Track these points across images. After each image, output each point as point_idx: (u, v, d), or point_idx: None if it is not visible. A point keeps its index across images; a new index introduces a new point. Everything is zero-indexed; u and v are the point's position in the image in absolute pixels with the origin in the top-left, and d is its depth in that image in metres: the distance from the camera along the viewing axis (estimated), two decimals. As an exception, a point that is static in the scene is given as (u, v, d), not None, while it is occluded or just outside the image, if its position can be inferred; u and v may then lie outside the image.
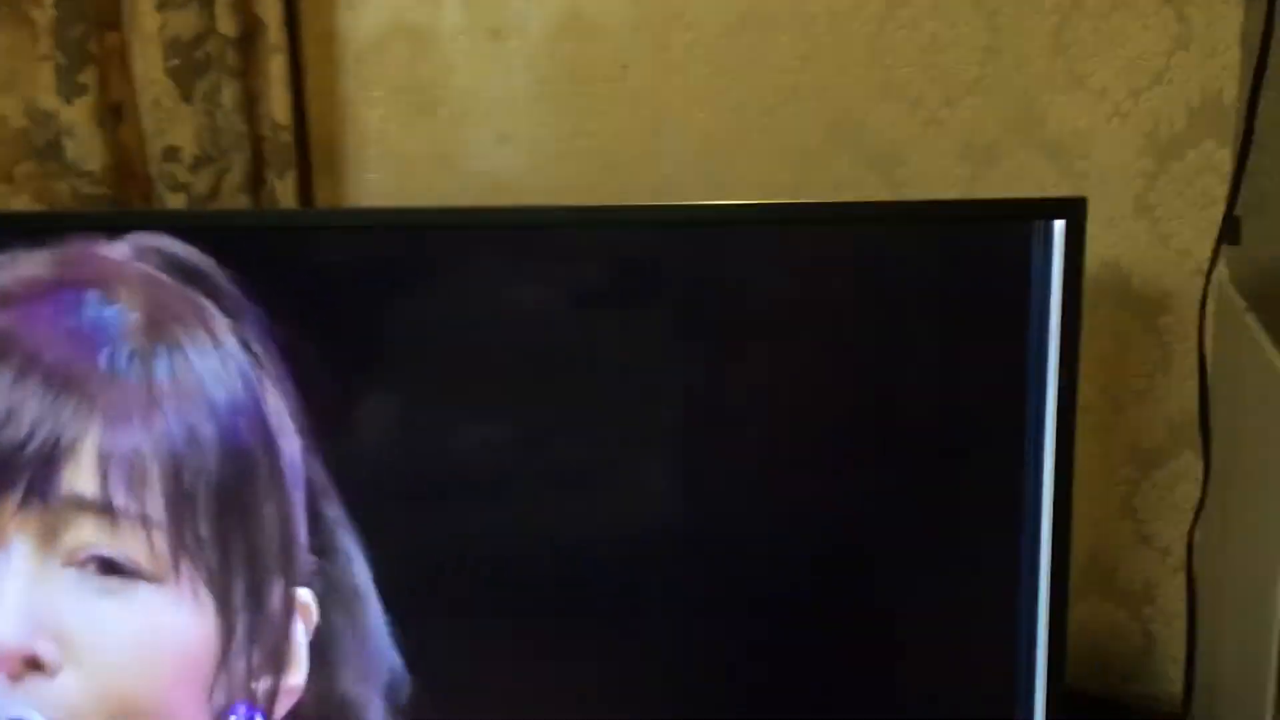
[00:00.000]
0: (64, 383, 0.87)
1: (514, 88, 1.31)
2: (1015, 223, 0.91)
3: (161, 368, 0.88)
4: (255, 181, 1.28)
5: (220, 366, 0.91)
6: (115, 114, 1.30)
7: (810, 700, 1.06)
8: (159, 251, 0.94)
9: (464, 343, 1.03)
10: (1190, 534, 1.15)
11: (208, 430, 0.89)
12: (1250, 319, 0.98)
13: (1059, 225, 0.91)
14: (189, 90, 1.24)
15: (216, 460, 0.90)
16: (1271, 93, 0.94)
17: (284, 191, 1.25)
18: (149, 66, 1.24)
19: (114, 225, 0.96)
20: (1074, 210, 0.90)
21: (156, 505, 0.87)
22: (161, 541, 0.86)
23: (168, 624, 0.88)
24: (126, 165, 1.32)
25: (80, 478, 0.86)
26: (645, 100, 1.29)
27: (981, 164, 1.25)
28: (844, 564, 1.04)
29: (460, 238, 1.02)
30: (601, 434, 1.04)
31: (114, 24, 1.27)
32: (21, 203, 1.31)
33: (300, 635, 0.95)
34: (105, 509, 0.86)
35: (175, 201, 1.27)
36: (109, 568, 0.86)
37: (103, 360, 0.88)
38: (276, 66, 1.23)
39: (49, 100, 1.25)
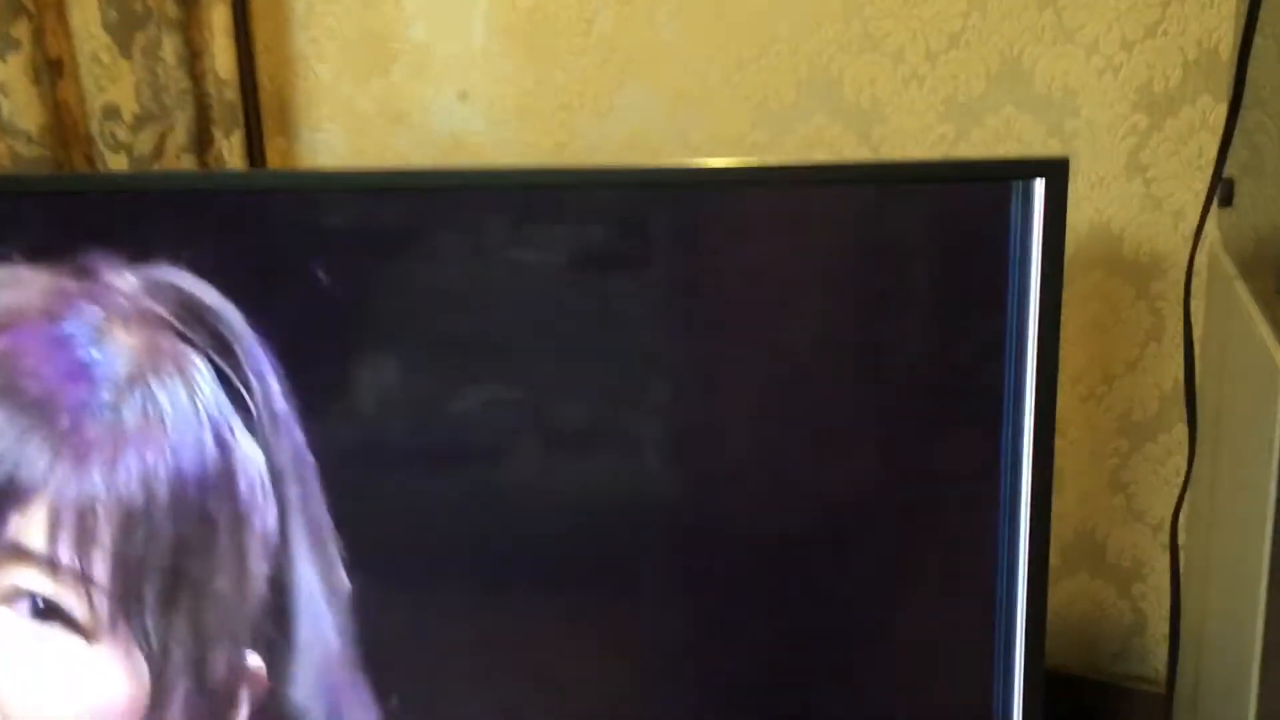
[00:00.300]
0: (34, 419, 0.83)
1: (473, 41, 1.24)
2: (994, 184, 0.85)
3: (133, 421, 0.83)
4: (201, 141, 1.22)
5: (195, 428, 0.85)
6: (55, 70, 1.24)
7: (783, 678, 1.02)
8: (174, 289, 0.89)
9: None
10: (1176, 510, 1.10)
11: (169, 494, 0.85)
12: (1240, 288, 0.92)
13: (1039, 185, 0.85)
14: (127, 44, 1.18)
15: (175, 526, 0.85)
16: (1266, 43, 0.87)
17: (230, 152, 1.19)
18: (86, 19, 1.17)
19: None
20: (1055, 170, 0.84)
21: (102, 566, 0.83)
22: (101, 601, 0.83)
23: (92, 683, 0.84)
24: (69, 124, 1.26)
25: (29, 526, 0.82)
26: (611, 53, 1.22)
27: (965, 122, 1.19)
28: (813, 534, 1.00)
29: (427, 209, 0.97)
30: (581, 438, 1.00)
31: (51, -26, 1.21)
32: (-44, 164, 1.26)
33: (245, 703, 0.91)
34: (48, 562, 0.82)
35: (116, 163, 1.21)
36: (42, 613, 0.83)
37: (77, 404, 0.83)
38: (220, 18, 1.16)
39: (-21, 57, 1.19)
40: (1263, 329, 0.81)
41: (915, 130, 1.19)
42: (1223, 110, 1.09)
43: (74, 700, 0.86)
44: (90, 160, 1.26)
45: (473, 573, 1.03)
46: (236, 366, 0.88)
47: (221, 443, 0.87)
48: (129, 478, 0.84)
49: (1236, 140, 0.96)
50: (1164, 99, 1.15)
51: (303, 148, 1.31)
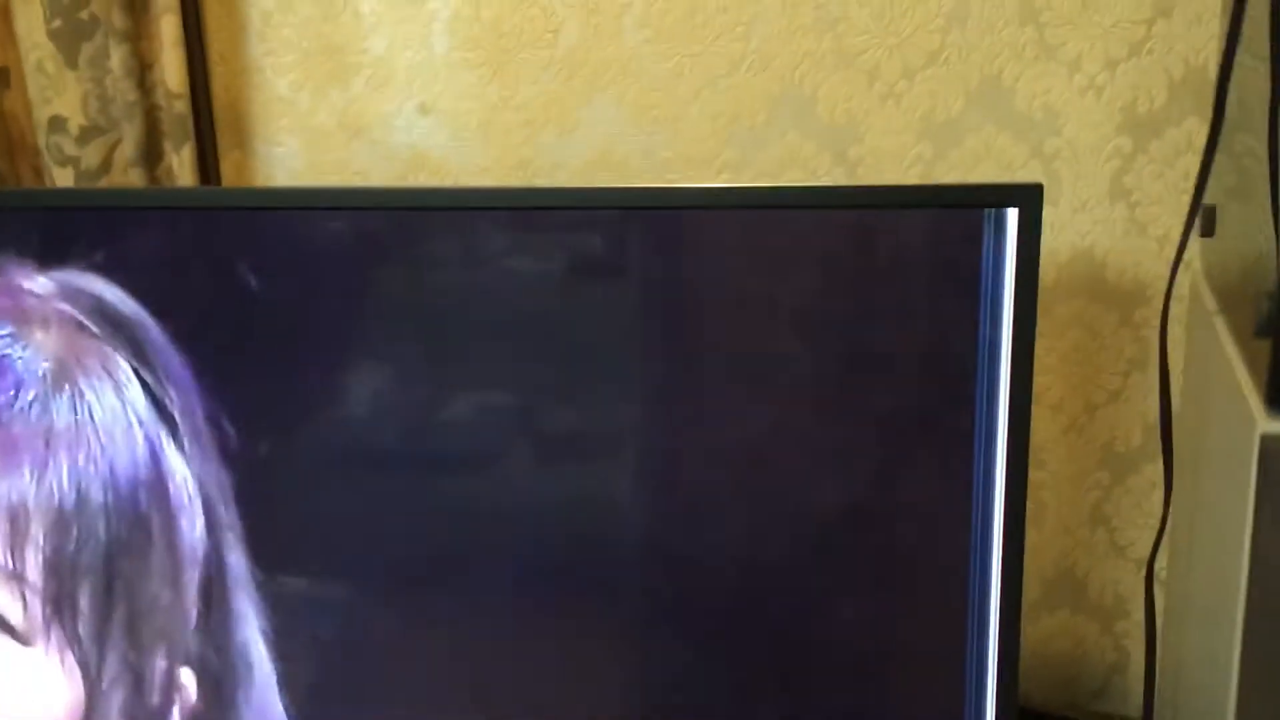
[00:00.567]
0: None
1: (434, 53, 1.19)
2: (965, 211, 0.81)
3: (61, 422, 0.83)
4: (150, 155, 1.17)
5: (125, 431, 0.84)
6: (1, 80, 1.19)
7: (748, 707, 0.98)
8: (88, 294, 0.87)
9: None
10: (1154, 549, 1.05)
11: (101, 496, 0.84)
12: (1220, 324, 0.88)
13: (1012, 214, 0.80)
14: (73, 54, 1.13)
15: (107, 529, 0.84)
16: (1252, 61, 0.83)
17: (180, 166, 1.14)
18: (31, 27, 1.13)
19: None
20: (1028, 197, 0.79)
21: (35, 566, 0.82)
22: (35, 604, 0.82)
23: (26, 687, 0.83)
24: (17, 136, 1.22)
25: None
26: (577, 68, 1.18)
27: (943, 142, 1.14)
28: (775, 563, 0.96)
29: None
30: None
31: (-4, -19, 1.16)
32: (-101, 177, 1.21)
33: (175, 716, 0.90)
34: None
35: (63, 177, 1.16)
36: None
37: (2, 402, 0.82)
38: (169, 28, 1.11)
39: (-77, 64, 1.15)
40: (1240, 373, 0.77)
41: (892, 150, 1.15)
42: (1209, 133, 1.05)
43: (9, 705, 0.84)
44: (38, 173, 1.21)
45: (394, 592, 1.00)
46: (155, 377, 0.87)
47: (150, 446, 0.86)
48: (59, 478, 0.83)
49: (1221, 165, 0.92)
50: (1149, 120, 1.11)
51: (259, 162, 1.26)
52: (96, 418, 0.84)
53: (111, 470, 0.84)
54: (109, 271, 0.87)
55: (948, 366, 0.89)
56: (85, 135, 1.15)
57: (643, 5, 1.14)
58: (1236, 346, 0.82)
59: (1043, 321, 1.18)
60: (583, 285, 0.94)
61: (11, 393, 0.83)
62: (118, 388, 0.85)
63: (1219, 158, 0.91)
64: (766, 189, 0.99)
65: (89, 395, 0.84)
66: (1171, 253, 1.06)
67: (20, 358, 0.84)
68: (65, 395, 0.84)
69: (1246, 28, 0.83)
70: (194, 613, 0.88)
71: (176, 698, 0.89)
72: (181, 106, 1.12)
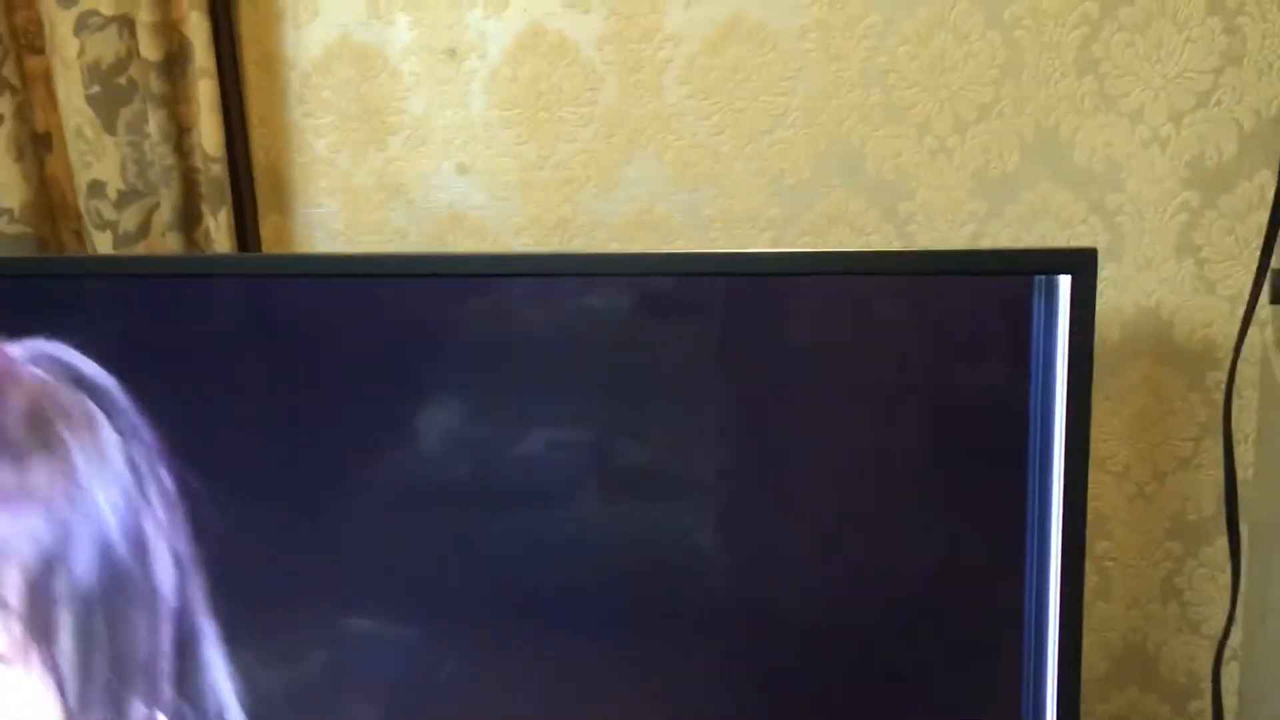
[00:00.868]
0: None
1: (472, 112, 1.18)
2: (1013, 278, 0.76)
3: (39, 465, 0.85)
4: (188, 219, 1.16)
5: (103, 479, 0.86)
6: (43, 144, 1.19)
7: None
8: (57, 361, 0.90)
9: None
10: (1227, 625, 0.98)
11: (81, 532, 0.86)
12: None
13: (1064, 281, 0.75)
14: (111, 120, 1.12)
15: (85, 564, 0.87)
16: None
17: (218, 230, 1.13)
18: (70, 94, 1.12)
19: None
20: (1082, 264, 0.74)
21: (15, 590, 0.84)
22: (16, 626, 0.84)
23: (9, 702, 0.85)
24: (59, 200, 1.21)
25: None
26: (617, 125, 1.15)
27: (997, 198, 1.10)
28: (823, 630, 0.92)
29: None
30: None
31: (39, 48, 1.16)
32: (-56, 242, 1.22)
33: None
34: None
35: (102, 241, 1.16)
36: None
37: None
38: (206, 92, 1.10)
39: (-32, 131, 1.15)
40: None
41: (944, 206, 1.10)
42: (1286, 189, 1.00)
43: None
44: (80, 236, 1.21)
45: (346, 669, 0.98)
46: (124, 439, 0.89)
47: (126, 494, 0.88)
48: (39, 511, 0.86)
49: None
50: (1218, 174, 1.05)
51: (298, 224, 1.24)
52: (77, 464, 0.87)
53: (91, 512, 0.87)
54: (83, 339, 0.89)
55: (994, 443, 0.84)
56: (123, 200, 1.15)
57: (684, 61, 1.12)
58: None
59: (1107, 384, 1.13)
60: (625, 342, 0.91)
61: None
62: (96, 440, 0.88)
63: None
64: (801, 254, 0.95)
65: (69, 442, 0.87)
66: (1244, 312, 1.01)
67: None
68: (45, 442, 0.86)
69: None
70: (168, 664, 0.89)
71: None
72: (219, 170, 1.11)
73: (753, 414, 0.89)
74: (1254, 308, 0.93)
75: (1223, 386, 1.06)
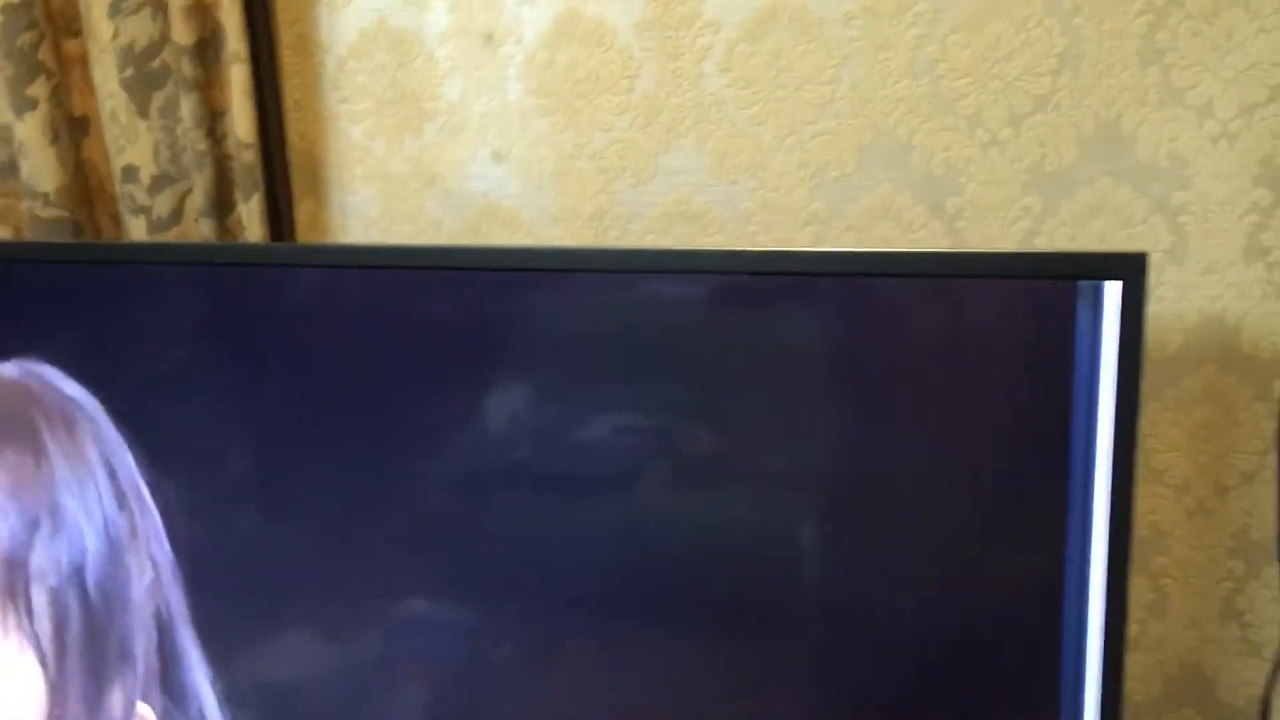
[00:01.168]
0: None
1: (508, 100, 1.15)
2: (1056, 283, 0.71)
3: (11, 454, 0.82)
4: (221, 205, 1.14)
5: (81, 480, 0.83)
6: (80, 128, 1.19)
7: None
8: (44, 379, 0.87)
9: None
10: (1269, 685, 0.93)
11: (51, 520, 0.83)
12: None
13: (1112, 288, 0.70)
14: (145, 104, 1.11)
15: (59, 547, 0.83)
16: None
17: (250, 216, 1.12)
18: (105, 77, 1.11)
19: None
20: (1132, 270, 0.69)
21: None
22: None
23: None
24: (95, 184, 1.21)
25: None
26: (655, 114, 1.11)
27: (1053, 194, 1.04)
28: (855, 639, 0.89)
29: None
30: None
31: (76, 31, 1.16)
32: (-18, 226, 1.22)
33: None
34: None
35: (136, 227, 1.15)
36: None
37: None
38: (238, 77, 1.08)
39: (6, 114, 1.15)
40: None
41: (995, 203, 1.05)
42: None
43: None
44: (117, 221, 1.21)
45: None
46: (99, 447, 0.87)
47: (106, 483, 0.85)
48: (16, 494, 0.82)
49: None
50: (1291, 172, 0.99)
51: (333, 211, 1.23)
52: (56, 461, 0.83)
53: (61, 505, 0.83)
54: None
55: (1035, 456, 0.79)
56: (156, 185, 1.14)
57: (724, 48, 1.07)
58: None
59: (1166, 393, 1.07)
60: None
61: None
62: (77, 444, 0.85)
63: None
64: (831, 254, 0.90)
65: (47, 438, 0.84)
66: (1317, 321, 0.95)
67: None
68: (23, 432, 0.83)
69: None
70: (146, 655, 0.87)
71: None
72: (250, 156, 1.10)
73: (776, 414, 0.85)
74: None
75: (1292, 398, 1.01)
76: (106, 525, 0.85)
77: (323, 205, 1.22)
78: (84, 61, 1.15)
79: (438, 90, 1.16)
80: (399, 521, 0.95)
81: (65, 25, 1.15)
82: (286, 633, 1.00)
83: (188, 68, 1.09)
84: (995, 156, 1.04)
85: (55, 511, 0.83)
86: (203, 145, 1.11)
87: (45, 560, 0.83)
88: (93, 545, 0.85)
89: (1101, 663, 0.79)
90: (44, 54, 1.12)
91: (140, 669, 0.86)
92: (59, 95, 1.14)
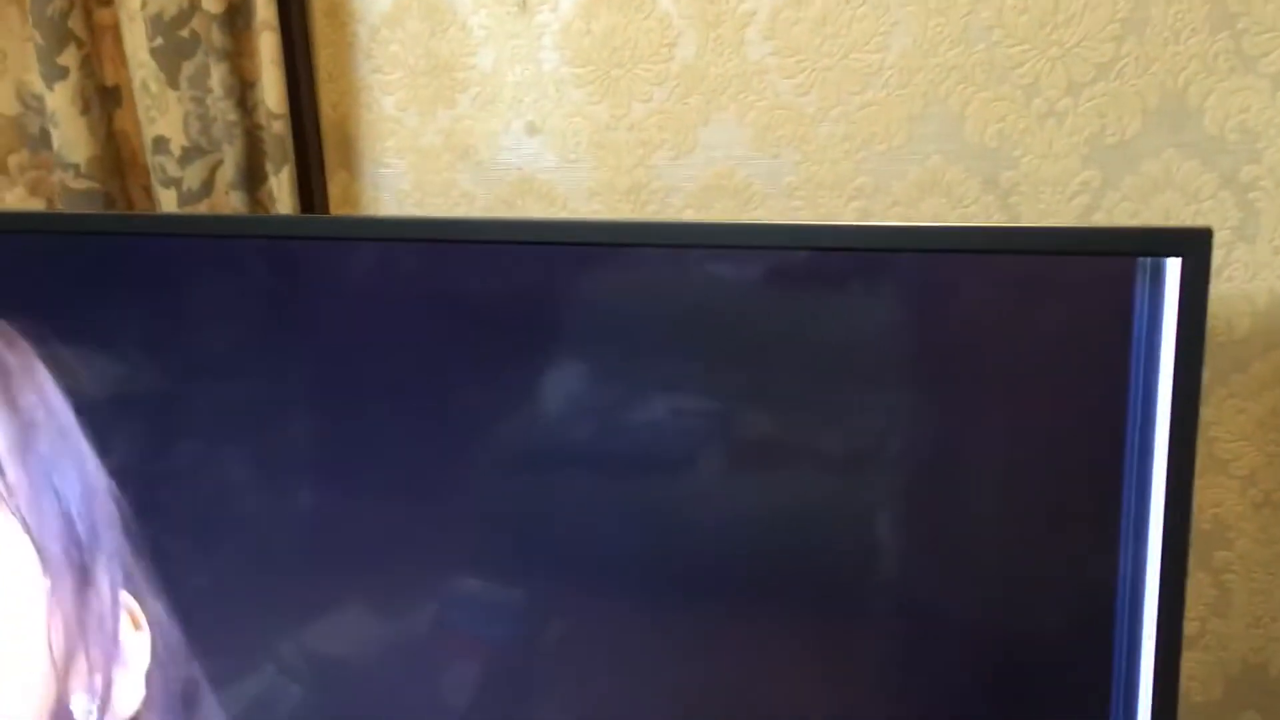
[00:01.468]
0: None
1: (543, 69, 1.11)
2: (1114, 260, 0.66)
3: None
4: (252, 177, 1.12)
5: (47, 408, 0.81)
6: (112, 98, 1.17)
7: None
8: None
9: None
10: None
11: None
12: None
13: (1173, 264, 0.65)
14: (174, 74, 1.09)
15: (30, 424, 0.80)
16: None
17: (280, 188, 1.10)
18: (136, 47, 1.09)
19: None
20: (1194, 245, 0.64)
21: None
22: None
23: None
24: (128, 155, 1.19)
25: None
26: (695, 84, 1.07)
27: (1114, 167, 0.98)
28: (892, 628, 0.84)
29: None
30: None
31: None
32: (15, 197, 1.20)
33: (131, 639, 0.84)
34: None
35: (167, 199, 1.13)
36: None
37: None
38: (268, 45, 1.06)
39: (38, 84, 1.13)
40: None
41: (1053, 176, 0.99)
42: None
43: None
44: (149, 192, 1.19)
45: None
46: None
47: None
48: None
49: None
50: (1373, 144, 0.93)
51: (365, 183, 1.20)
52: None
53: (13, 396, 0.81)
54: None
55: (1087, 443, 0.74)
56: (187, 156, 1.12)
57: (768, 15, 1.03)
58: None
59: (1233, 379, 1.02)
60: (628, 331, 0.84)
61: None
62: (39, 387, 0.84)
63: None
64: (866, 228, 0.85)
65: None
66: (1398, 304, 0.89)
67: None
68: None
69: None
70: (119, 546, 0.83)
71: (124, 613, 0.82)
72: (280, 127, 1.07)
73: (817, 393, 0.81)
74: None
75: (1368, 386, 0.95)
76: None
77: (356, 177, 1.19)
78: (116, 30, 1.13)
79: (471, 60, 1.12)
80: (432, 500, 0.93)
81: (94, -7, 1.13)
82: (339, 609, 0.98)
83: (217, 36, 1.06)
84: (1053, 128, 0.99)
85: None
86: (233, 116, 1.09)
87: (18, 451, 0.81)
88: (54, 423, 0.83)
89: (1155, 662, 0.75)
90: (74, 22, 1.10)
91: (117, 549, 0.84)
92: (90, 65, 1.12)
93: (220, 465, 0.96)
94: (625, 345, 0.84)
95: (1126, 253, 0.66)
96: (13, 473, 0.81)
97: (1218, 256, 0.98)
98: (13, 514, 0.81)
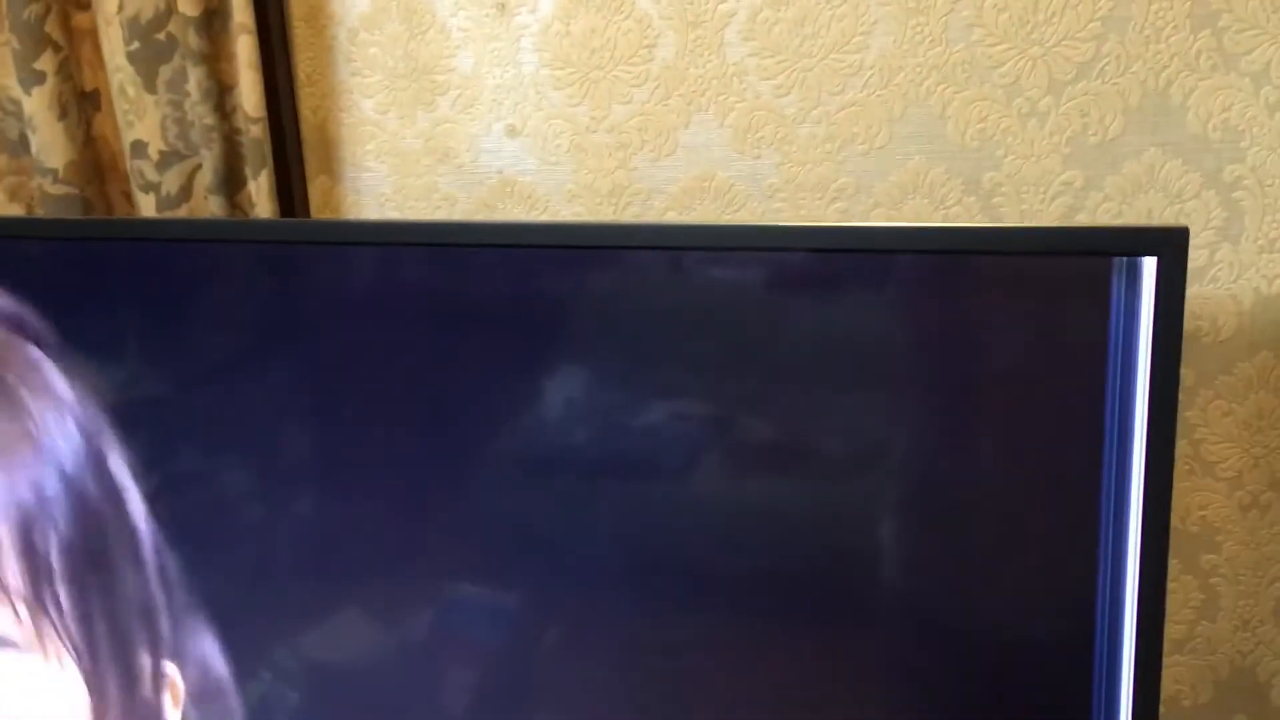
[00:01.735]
0: None
1: (523, 71, 1.10)
2: (1088, 260, 0.65)
3: (2, 422, 0.79)
4: (230, 182, 1.11)
5: (60, 420, 0.81)
6: (89, 103, 1.16)
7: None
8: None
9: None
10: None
11: (55, 487, 0.83)
12: None
13: (1149, 264, 0.64)
14: (151, 78, 1.08)
15: (67, 520, 0.83)
16: None
17: (259, 193, 1.09)
18: (113, 50, 1.08)
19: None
20: (1170, 245, 0.63)
21: (13, 569, 0.81)
22: (23, 608, 0.81)
23: (36, 694, 0.82)
24: (108, 161, 1.18)
25: None
26: (675, 85, 1.06)
27: (1096, 167, 0.97)
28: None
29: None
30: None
31: (86, 3, 1.12)
32: (-5, 203, 1.20)
33: (170, 713, 0.88)
34: None
35: (146, 204, 1.12)
36: None
37: None
38: (245, 49, 1.05)
39: (16, 88, 1.12)
40: None
41: (1034, 176, 0.98)
42: None
43: (23, 713, 0.83)
44: (129, 198, 1.18)
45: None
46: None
47: (89, 443, 0.85)
48: (20, 480, 0.81)
49: None
50: (1356, 142, 0.92)
51: (346, 187, 1.19)
52: (34, 411, 0.83)
53: (59, 462, 0.83)
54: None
55: (1062, 450, 0.73)
56: (165, 161, 1.11)
57: (747, 15, 1.02)
58: None
59: (1218, 380, 1.01)
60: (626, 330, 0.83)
61: None
62: (44, 379, 0.84)
63: None
64: (841, 228, 0.83)
65: (21, 391, 0.83)
66: (1383, 304, 0.88)
67: None
68: (6, 398, 0.82)
69: None
70: (161, 603, 0.87)
71: (166, 691, 0.87)
72: (258, 131, 1.06)
73: (789, 395, 0.80)
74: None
75: (1355, 387, 0.94)
76: (96, 463, 0.84)
77: (336, 181, 1.18)
78: (94, 34, 1.13)
79: (450, 62, 1.12)
80: (421, 505, 0.92)
81: (72, -3, 1.12)
82: (336, 616, 0.97)
83: (194, 39, 1.05)
84: (1034, 128, 0.98)
85: (49, 477, 0.82)
86: (210, 120, 1.08)
87: (52, 537, 0.82)
88: (89, 503, 0.84)
89: (1135, 668, 0.74)
90: (51, 27, 1.09)
91: (159, 624, 0.86)
92: (67, 69, 1.11)
93: (214, 473, 0.95)
94: (618, 349, 0.84)
95: (1102, 252, 0.65)
96: (62, 591, 0.83)
97: (1202, 257, 0.98)
98: (60, 634, 0.83)
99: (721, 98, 1.05)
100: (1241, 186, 0.95)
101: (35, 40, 1.08)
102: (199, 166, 1.11)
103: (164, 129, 1.10)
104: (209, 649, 0.87)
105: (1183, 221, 0.97)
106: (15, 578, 0.80)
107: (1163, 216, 0.98)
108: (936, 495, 0.78)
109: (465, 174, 1.14)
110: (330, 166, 1.18)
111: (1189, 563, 1.05)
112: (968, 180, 1.01)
